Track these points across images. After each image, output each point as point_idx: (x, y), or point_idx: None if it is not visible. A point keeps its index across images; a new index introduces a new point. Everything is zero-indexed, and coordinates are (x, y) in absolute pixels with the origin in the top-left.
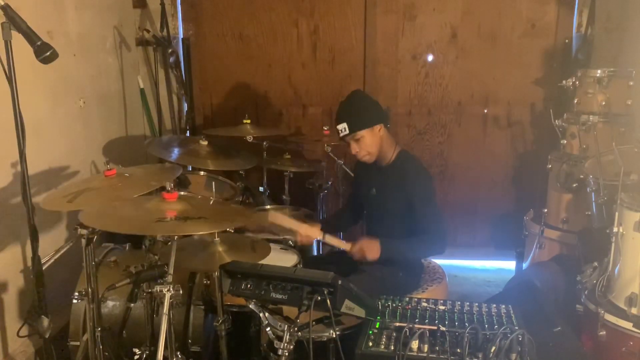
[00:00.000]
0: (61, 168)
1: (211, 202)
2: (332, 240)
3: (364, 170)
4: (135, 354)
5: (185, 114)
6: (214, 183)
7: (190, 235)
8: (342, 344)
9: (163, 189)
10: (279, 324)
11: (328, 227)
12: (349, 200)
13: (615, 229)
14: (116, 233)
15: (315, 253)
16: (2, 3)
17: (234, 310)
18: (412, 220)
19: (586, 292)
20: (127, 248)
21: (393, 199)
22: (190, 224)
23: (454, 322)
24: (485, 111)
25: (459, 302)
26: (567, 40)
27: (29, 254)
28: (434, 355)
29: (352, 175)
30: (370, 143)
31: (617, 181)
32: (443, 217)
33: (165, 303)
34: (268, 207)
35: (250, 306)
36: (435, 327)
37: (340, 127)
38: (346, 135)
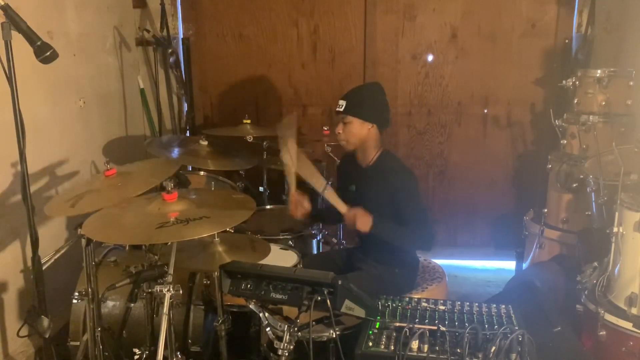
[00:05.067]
0: (61, 168)
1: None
2: (332, 197)
3: (346, 168)
4: (135, 354)
5: (185, 114)
6: (213, 183)
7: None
8: (342, 344)
9: (163, 188)
10: (279, 324)
11: (317, 217)
12: None
13: (615, 229)
14: None
15: (315, 252)
16: (2, 3)
17: (234, 310)
18: (393, 220)
19: (586, 292)
20: (127, 248)
21: (373, 198)
22: (191, 226)
23: (454, 322)
24: (485, 111)
25: (459, 302)
26: (567, 40)
27: (29, 254)
28: (434, 355)
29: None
30: (354, 133)
31: (617, 181)
32: (428, 215)
33: (165, 303)
34: (268, 207)
35: (250, 306)
36: (435, 327)
37: (340, 102)
38: (339, 112)
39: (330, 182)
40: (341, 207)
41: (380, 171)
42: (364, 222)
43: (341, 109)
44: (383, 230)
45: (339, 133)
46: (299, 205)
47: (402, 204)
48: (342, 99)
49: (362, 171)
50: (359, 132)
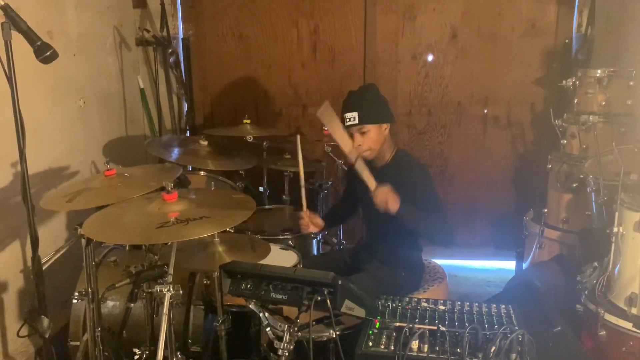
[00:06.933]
0: (61, 168)
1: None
2: (363, 169)
3: None
4: (135, 354)
5: (185, 114)
6: (213, 183)
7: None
8: (342, 344)
9: (163, 188)
10: (279, 324)
11: (326, 221)
12: (343, 196)
13: (615, 229)
14: None
15: (315, 252)
16: (2, 3)
17: (234, 310)
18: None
19: (586, 292)
20: (127, 248)
21: None
22: (191, 226)
23: (454, 322)
24: (485, 111)
25: (459, 302)
26: (567, 40)
27: (29, 254)
28: (434, 355)
29: (346, 169)
30: (375, 139)
31: (617, 181)
32: (446, 211)
33: (165, 303)
34: (268, 207)
35: (250, 306)
36: (435, 327)
37: (349, 115)
38: (354, 125)
39: (330, 183)
40: (371, 182)
41: (397, 169)
42: (393, 199)
43: (355, 121)
44: (409, 210)
45: (360, 145)
46: (312, 223)
47: (420, 200)
48: (350, 110)
49: (378, 171)
50: (378, 136)
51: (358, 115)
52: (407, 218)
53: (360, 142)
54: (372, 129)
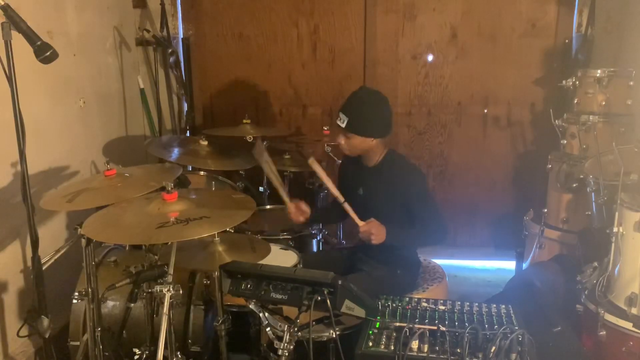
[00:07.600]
0: (61, 168)
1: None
2: (350, 210)
3: (350, 170)
4: (135, 354)
5: (185, 114)
6: (214, 183)
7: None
8: (342, 344)
9: (163, 188)
10: (279, 324)
11: (318, 218)
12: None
13: (615, 229)
14: None
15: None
16: (2, 3)
17: (234, 310)
18: (403, 219)
19: (586, 292)
20: (127, 248)
21: (382, 199)
22: (191, 226)
23: (454, 322)
24: (485, 111)
25: (459, 302)
26: (567, 40)
27: (29, 254)
28: (434, 355)
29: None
30: (356, 146)
31: (617, 181)
32: (440, 209)
33: (165, 303)
34: (268, 207)
35: (250, 306)
36: (435, 327)
37: (341, 115)
38: (340, 126)
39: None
40: (357, 220)
41: (388, 171)
42: (378, 234)
43: (342, 125)
44: (397, 238)
45: (341, 144)
46: (299, 211)
47: (413, 202)
48: (343, 112)
49: (369, 171)
50: (361, 145)
51: (348, 120)
52: (398, 242)
53: (343, 142)
54: (356, 137)
